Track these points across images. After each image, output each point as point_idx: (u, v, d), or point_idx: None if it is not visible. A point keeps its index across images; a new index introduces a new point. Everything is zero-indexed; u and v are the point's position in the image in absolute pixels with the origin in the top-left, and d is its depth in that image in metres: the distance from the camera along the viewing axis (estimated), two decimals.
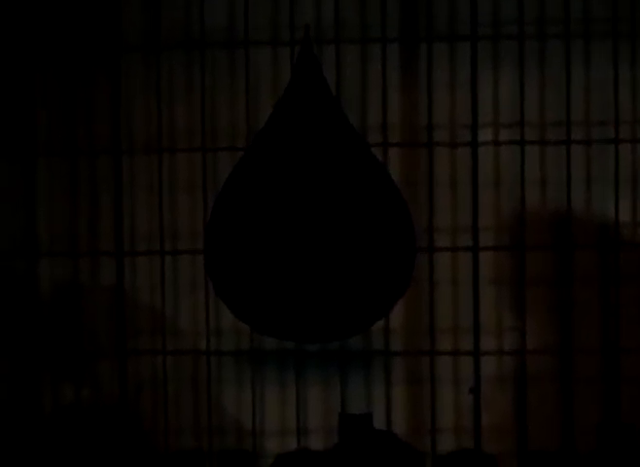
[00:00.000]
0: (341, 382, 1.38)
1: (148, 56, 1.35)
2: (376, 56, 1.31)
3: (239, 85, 1.38)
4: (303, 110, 1.46)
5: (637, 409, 1.38)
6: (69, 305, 1.43)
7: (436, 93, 1.35)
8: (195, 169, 1.39)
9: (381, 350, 1.39)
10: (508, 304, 1.38)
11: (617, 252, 1.32)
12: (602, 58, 1.33)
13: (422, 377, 1.41)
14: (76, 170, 1.40)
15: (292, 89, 1.43)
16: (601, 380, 1.39)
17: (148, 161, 1.35)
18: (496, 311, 1.39)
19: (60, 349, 1.42)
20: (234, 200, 1.45)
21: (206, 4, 1.35)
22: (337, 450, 1.30)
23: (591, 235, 1.37)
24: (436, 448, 1.36)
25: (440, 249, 1.36)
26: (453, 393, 1.40)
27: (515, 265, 1.33)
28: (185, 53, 1.37)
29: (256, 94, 1.38)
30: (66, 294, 1.43)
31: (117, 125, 1.35)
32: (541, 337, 1.37)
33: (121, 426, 1.39)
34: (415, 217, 1.32)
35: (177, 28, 1.37)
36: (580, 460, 1.39)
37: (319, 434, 1.38)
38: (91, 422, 1.41)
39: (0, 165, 1.38)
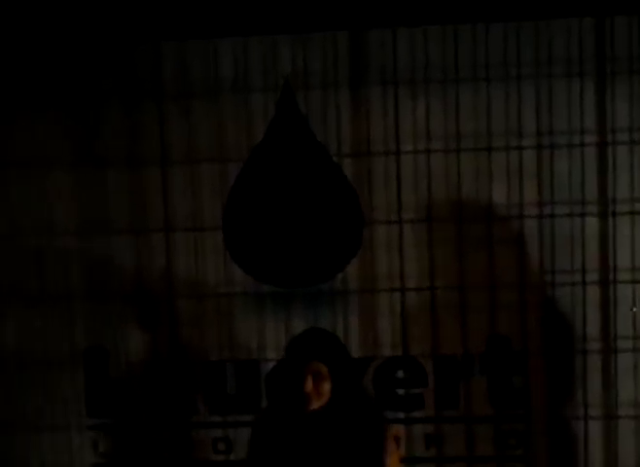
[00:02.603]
0: (314, 313, 2.06)
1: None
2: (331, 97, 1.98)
3: (243, 114, 2.03)
4: (286, 131, 2.15)
5: (512, 327, 2.06)
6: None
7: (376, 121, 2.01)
8: (214, 174, 2.05)
9: (342, 290, 2.07)
10: (424, 259, 2.06)
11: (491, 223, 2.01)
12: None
13: (372, 307, 2.08)
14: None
15: (277, 118, 2.12)
16: (489, 308, 2.08)
17: (187, 168, 2.02)
18: (418, 266, 2.07)
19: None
20: (241, 193, 2.16)
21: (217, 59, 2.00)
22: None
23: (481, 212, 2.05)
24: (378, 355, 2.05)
25: (378, 222, 2.04)
26: (390, 320, 2.08)
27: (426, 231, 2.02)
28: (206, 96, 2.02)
29: (252, 122, 2.03)
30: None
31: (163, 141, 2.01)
32: (447, 279, 2.06)
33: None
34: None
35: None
36: (473, 360, 2.09)
37: None
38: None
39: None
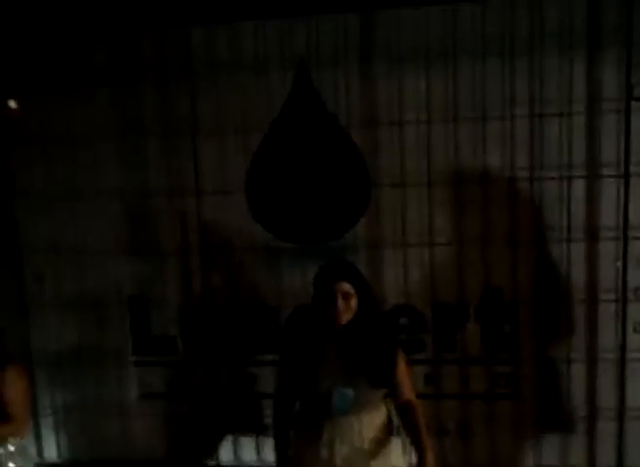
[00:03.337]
0: None
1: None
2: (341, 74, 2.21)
3: (263, 90, 2.28)
4: (301, 104, 2.38)
5: (504, 280, 2.29)
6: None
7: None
8: (235, 145, 2.32)
9: (351, 246, 2.33)
10: (425, 218, 2.29)
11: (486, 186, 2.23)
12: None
13: (378, 261, 2.34)
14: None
15: (293, 93, 2.35)
16: (483, 263, 2.31)
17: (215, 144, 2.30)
18: (419, 225, 2.30)
19: None
20: (262, 161, 2.42)
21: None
22: None
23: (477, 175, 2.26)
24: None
25: (383, 185, 2.28)
26: (394, 273, 2.33)
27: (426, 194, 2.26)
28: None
29: (271, 97, 2.28)
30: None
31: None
32: (446, 236, 2.29)
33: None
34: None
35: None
36: (468, 309, 2.33)
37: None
38: None
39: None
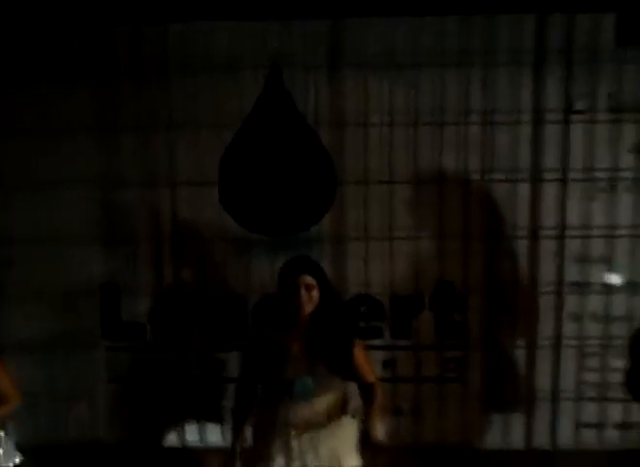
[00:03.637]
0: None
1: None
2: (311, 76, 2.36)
3: (236, 88, 2.40)
4: (272, 103, 2.52)
5: (456, 274, 2.49)
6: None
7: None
8: (208, 140, 2.43)
9: (317, 239, 2.48)
10: (385, 214, 2.47)
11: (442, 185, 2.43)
12: None
13: (341, 254, 2.50)
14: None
15: (265, 92, 2.48)
16: (436, 256, 2.50)
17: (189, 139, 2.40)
18: (380, 219, 2.48)
19: None
20: (234, 156, 2.54)
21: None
22: None
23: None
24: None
25: (347, 182, 2.45)
26: (356, 265, 2.50)
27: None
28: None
29: (244, 95, 2.40)
30: None
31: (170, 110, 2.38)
32: (404, 231, 2.48)
33: None
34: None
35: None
36: (423, 299, 2.53)
37: None
38: None
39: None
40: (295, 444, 1.94)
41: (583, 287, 2.49)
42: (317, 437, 1.95)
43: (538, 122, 2.41)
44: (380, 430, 1.91)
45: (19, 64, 2.44)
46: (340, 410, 2.00)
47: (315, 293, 1.91)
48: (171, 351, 2.58)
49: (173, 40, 2.39)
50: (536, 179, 2.44)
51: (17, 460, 2.23)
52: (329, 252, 2.48)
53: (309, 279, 1.90)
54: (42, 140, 2.46)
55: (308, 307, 1.91)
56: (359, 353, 1.98)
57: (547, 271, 2.49)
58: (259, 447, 2.03)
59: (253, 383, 2.05)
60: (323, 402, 1.95)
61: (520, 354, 2.54)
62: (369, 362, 2.03)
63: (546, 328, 2.52)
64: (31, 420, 2.60)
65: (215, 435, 2.61)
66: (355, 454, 2.01)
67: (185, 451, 2.60)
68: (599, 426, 2.54)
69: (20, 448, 2.29)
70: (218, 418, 2.59)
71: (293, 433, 1.94)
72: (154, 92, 2.42)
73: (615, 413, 2.54)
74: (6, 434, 2.20)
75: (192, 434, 2.61)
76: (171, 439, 2.62)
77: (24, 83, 2.43)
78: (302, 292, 1.88)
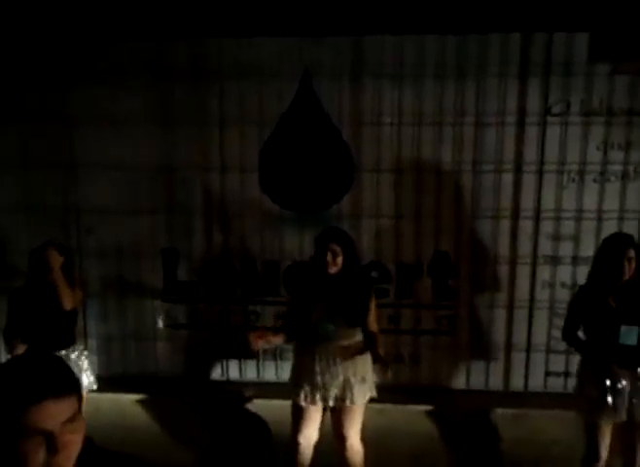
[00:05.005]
0: (318, 231, 3.04)
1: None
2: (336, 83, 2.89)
3: (275, 92, 2.95)
4: (304, 104, 3.04)
5: (450, 246, 3.03)
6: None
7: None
8: (251, 134, 2.99)
9: (337, 215, 3.04)
10: (393, 197, 3.01)
11: (440, 174, 2.96)
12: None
13: (357, 228, 3.05)
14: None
15: (298, 96, 3.01)
16: (434, 231, 3.05)
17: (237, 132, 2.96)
18: (389, 201, 3.02)
19: None
20: (272, 147, 3.09)
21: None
22: None
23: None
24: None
25: (364, 170, 2.99)
26: (368, 238, 3.05)
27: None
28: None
29: (281, 97, 2.95)
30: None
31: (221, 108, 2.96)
32: (409, 211, 3.02)
33: None
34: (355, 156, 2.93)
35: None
36: (422, 266, 3.08)
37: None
38: None
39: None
40: (318, 376, 2.46)
41: (554, 260, 3.03)
42: (337, 371, 2.45)
43: (521, 123, 2.93)
44: (384, 367, 2.45)
45: (100, 63, 3.01)
46: (356, 350, 2.48)
47: (339, 259, 2.41)
48: (218, 304, 3.20)
49: (226, 51, 2.95)
50: (518, 170, 2.97)
51: (95, 387, 2.87)
52: (346, 227, 3.02)
53: (336, 247, 2.41)
54: (116, 129, 3.03)
55: (332, 270, 2.41)
56: (373, 310, 2.51)
57: (524, 246, 3.03)
58: (293, 376, 2.57)
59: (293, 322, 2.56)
60: (342, 343, 2.44)
61: (501, 313, 3.10)
62: (376, 315, 2.57)
63: (522, 292, 3.06)
64: (106, 356, 3.26)
65: (252, 372, 3.24)
66: (370, 386, 2.51)
67: (227, 384, 3.23)
68: (564, 374, 3.10)
69: (98, 377, 2.94)
70: (254, 358, 3.21)
71: (317, 368, 2.47)
72: (210, 94, 3.00)
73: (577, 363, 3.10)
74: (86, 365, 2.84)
75: (234, 371, 3.25)
76: (216, 373, 3.26)
77: (105, 81, 3.00)
78: (329, 257, 2.40)
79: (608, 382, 2.36)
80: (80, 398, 1.00)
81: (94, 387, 2.86)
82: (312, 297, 2.47)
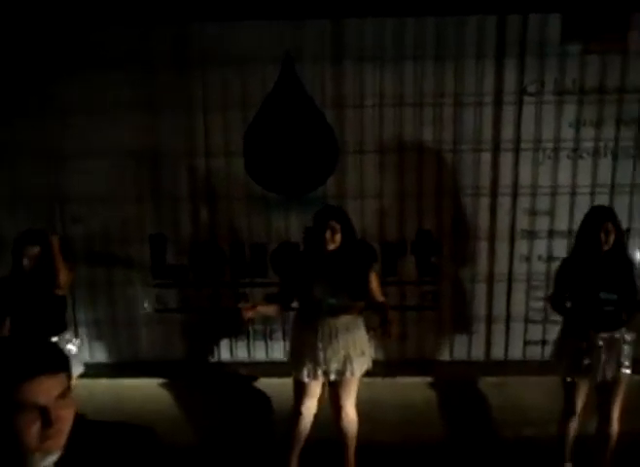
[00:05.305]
0: (303, 213, 3.09)
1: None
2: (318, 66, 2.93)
3: (258, 75, 2.97)
4: (287, 87, 3.07)
5: (433, 224, 3.13)
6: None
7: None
8: (235, 117, 3.01)
9: (322, 197, 3.11)
10: (377, 177, 3.09)
11: (421, 154, 3.05)
12: None
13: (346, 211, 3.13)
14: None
15: (281, 79, 3.04)
16: (417, 210, 3.15)
17: (221, 117, 2.98)
18: (373, 182, 3.10)
19: None
20: (256, 130, 3.12)
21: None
22: None
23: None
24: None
25: (347, 152, 3.06)
26: (353, 218, 3.12)
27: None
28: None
29: (265, 81, 2.98)
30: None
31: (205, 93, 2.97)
32: (392, 190, 3.11)
33: None
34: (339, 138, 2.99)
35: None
36: (406, 244, 3.18)
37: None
38: None
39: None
40: (321, 352, 2.52)
41: (531, 234, 3.16)
42: (338, 346, 2.53)
43: (498, 103, 3.02)
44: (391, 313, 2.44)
45: (83, 51, 2.97)
46: (357, 324, 2.58)
47: (338, 236, 2.47)
48: (207, 287, 3.25)
49: (209, 37, 2.95)
50: (496, 149, 3.07)
51: (82, 369, 2.90)
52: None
53: (335, 224, 2.47)
54: (101, 117, 3.01)
55: (330, 246, 2.47)
56: (374, 280, 2.58)
57: (503, 222, 3.15)
58: (294, 354, 2.64)
59: (288, 297, 2.63)
60: (343, 318, 2.52)
61: (482, 287, 3.23)
62: (379, 286, 2.64)
63: (501, 266, 3.20)
64: (97, 342, 3.29)
65: (243, 353, 3.31)
66: (368, 358, 2.62)
67: (218, 365, 3.31)
68: (542, 342, 3.26)
69: (85, 363, 2.97)
70: (244, 338, 3.28)
71: (319, 344, 2.53)
72: (193, 80, 3.00)
73: (554, 332, 3.24)
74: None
75: (224, 352, 3.32)
76: (208, 356, 3.33)
77: (87, 69, 2.96)
78: (328, 234, 2.45)
79: (585, 345, 2.53)
80: (69, 376, 1.06)
81: (81, 371, 2.88)
82: (311, 274, 2.53)
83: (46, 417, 0.99)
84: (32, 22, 2.92)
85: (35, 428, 0.99)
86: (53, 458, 1.03)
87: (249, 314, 2.50)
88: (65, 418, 1.03)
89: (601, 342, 2.53)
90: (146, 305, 3.24)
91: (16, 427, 0.99)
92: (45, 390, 0.99)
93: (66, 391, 1.03)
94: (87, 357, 3.16)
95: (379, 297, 2.61)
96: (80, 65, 2.97)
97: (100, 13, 2.85)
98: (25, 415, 0.98)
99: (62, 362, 1.05)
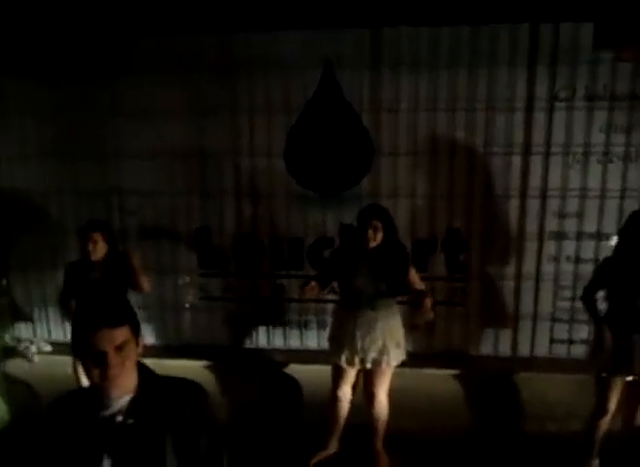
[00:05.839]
0: (340, 210, 3.28)
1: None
2: (356, 72, 3.11)
3: (300, 81, 3.17)
4: (327, 92, 3.25)
5: (462, 223, 3.26)
6: None
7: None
8: (281, 120, 3.23)
9: (357, 196, 3.28)
10: (411, 178, 3.24)
11: (454, 157, 3.19)
12: None
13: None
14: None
15: (321, 84, 3.23)
16: (448, 210, 3.28)
17: (264, 120, 3.21)
18: (406, 182, 3.26)
19: None
20: (297, 133, 3.33)
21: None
22: None
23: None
24: None
25: (382, 153, 3.23)
26: (391, 210, 3.28)
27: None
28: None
29: (306, 86, 3.18)
30: None
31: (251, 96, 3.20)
32: (424, 191, 3.25)
33: None
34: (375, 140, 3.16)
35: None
36: (437, 242, 3.32)
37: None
38: None
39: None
40: (359, 341, 2.69)
41: (559, 235, 3.25)
42: (375, 336, 2.69)
43: (529, 108, 3.13)
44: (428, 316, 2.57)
45: (137, 59, 3.25)
46: (393, 318, 2.73)
47: (379, 234, 2.61)
48: (248, 278, 3.48)
49: (254, 45, 3.18)
50: (526, 152, 3.18)
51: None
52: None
53: (377, 223, 2.61)
54: (155, 119, 3.28)
55: (372, 243, 2.62)
56: (412, 272, 2.72)
57: (532, 223, 3.26)
58: (333, 340, 2.81)
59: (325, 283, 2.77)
60: (381, 309, 2.68)
61: (510, 285, 3.34)
62: (419, 277, 2.77)
63: (529, 266, 3.30)
64: (145, 325, 3.56)
65: (279, 340, 3.53)
66: (403, 350, 2.77)
67: (255, 350, 3.53)
68: (568, 341, 3.35)
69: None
70: (281, 326, 3.50)
71: (358, 333, 2.69)
72: (239, 85, 3.23)
73: (580, 331, 3.34)
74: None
75: (262, 338, 3.54)
76: (247, 342, 3.56)
77: (143, 75, 3.24)
78: (370, 232, 2.60)
79: (622, 343, 2.60)
80: (134, 330, 1.36)
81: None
82: (353, 267, 2.68)
83: (104, 361, 1.29)
84: (97, 31, 3.21)
85: (96, 369, 1.31)
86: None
87: (307, 295, 2.68)
88: (121, 365, 1.32)
89: (637, 342, 2.58)
90: (191, 296, 3.45)
91: (84, 366, 1.33)
92: (105, 340, 1.30)
93: (127, 342, 1.33)
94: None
95: (420, 285, 2.73)
96: (136, 72, 3.25)
97: (156, 23, 3.12)
98: (90, 358, 1.31)
99: (124, 317, 1.35)
